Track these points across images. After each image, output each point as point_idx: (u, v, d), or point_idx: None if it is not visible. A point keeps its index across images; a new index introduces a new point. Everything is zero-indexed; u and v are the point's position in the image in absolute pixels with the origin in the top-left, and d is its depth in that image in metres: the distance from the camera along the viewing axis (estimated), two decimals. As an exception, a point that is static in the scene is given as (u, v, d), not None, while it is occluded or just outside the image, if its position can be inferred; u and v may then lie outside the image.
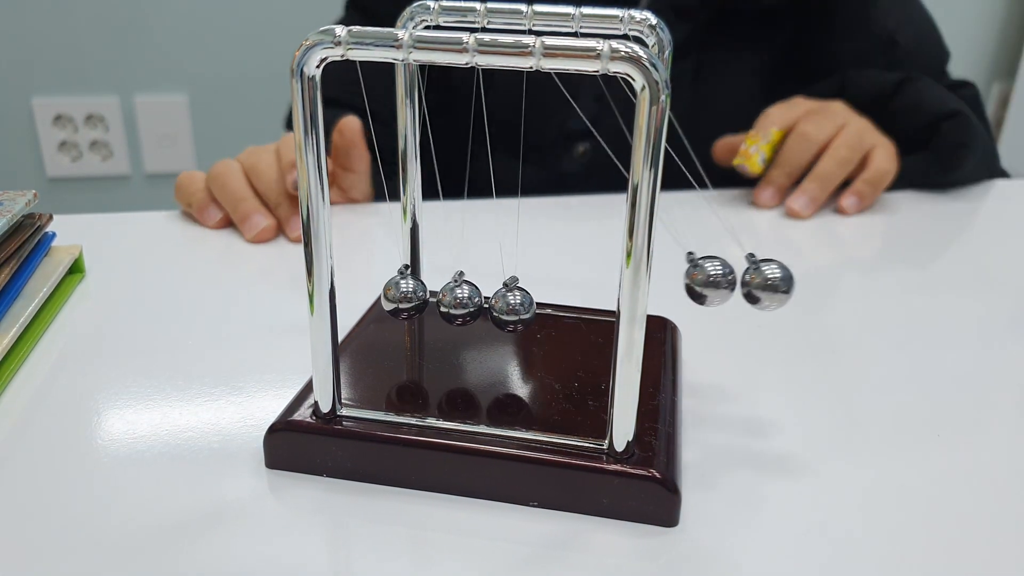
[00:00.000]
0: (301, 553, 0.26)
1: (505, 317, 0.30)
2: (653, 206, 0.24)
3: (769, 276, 0.28)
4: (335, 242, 0.28)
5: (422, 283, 0.31)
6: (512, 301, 0.30)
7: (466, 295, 0.30)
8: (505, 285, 0.30)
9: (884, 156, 0.59)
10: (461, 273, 0.31)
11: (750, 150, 0.59)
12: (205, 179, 0.55)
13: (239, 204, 0.53)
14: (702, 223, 0.56)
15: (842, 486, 0.30)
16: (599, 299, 0.38)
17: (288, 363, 0.37)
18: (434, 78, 0.50)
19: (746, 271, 0.28)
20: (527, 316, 0.30)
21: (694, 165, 0.30)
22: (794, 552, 0.27)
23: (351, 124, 0.55)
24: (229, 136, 1.43)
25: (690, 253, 0.29)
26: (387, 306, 0.30)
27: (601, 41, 0.23)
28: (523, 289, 0.30)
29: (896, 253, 0.53)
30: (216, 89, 1.51)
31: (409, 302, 0.30)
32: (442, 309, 0.30)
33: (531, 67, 0.24)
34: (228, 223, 0.54)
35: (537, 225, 0.55)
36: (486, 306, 0.31)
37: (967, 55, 1.77)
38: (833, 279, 0.49)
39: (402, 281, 0.30)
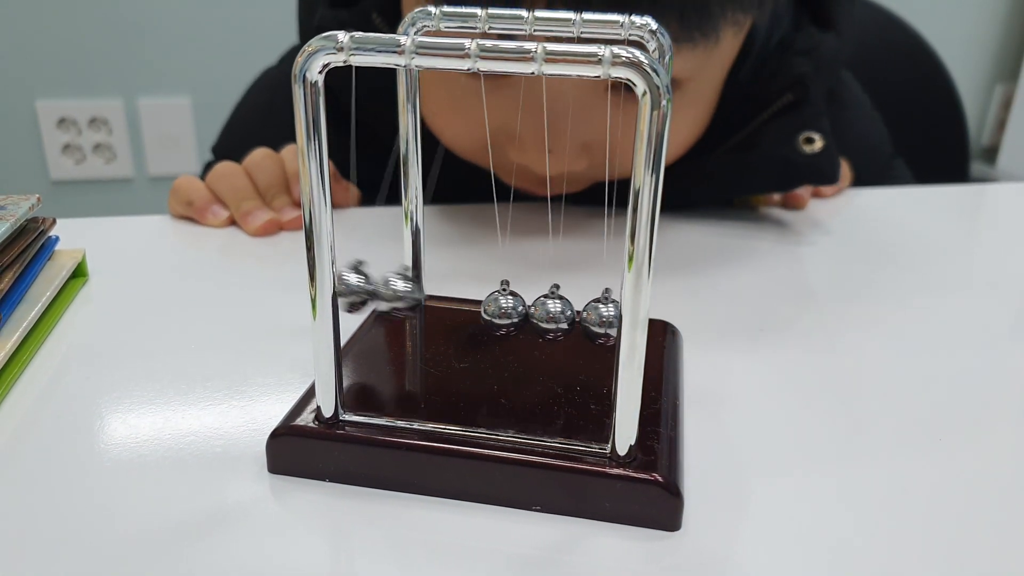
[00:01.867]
0: (303, 558, 0.26)
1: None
2: (655, 210, 0.25)
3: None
4: (336, 246, 0.28)
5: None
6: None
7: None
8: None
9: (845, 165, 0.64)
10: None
11: None
12: (207, 180, 0.56)
13: (242, 203, 0.54)
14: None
15: (845, 490, 0.30)
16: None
17: (291, 367, 0.37)
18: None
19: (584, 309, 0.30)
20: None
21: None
22: (797, 556, 0.27)
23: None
24: (232, 139, 1.43)
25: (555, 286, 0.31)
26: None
27: (602, 46, 0.23)
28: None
29: (896, 256, 0.53)
30: (219, 92, 1.52)
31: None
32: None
33: (533, 72, 0.24)
34: (231, 222, 0.55)
35: (530, 228, 0.55)
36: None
37: (969, 57, 1.77)
38: (833, 282, 0.49)
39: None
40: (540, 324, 0.31)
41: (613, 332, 0.30)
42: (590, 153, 0.51)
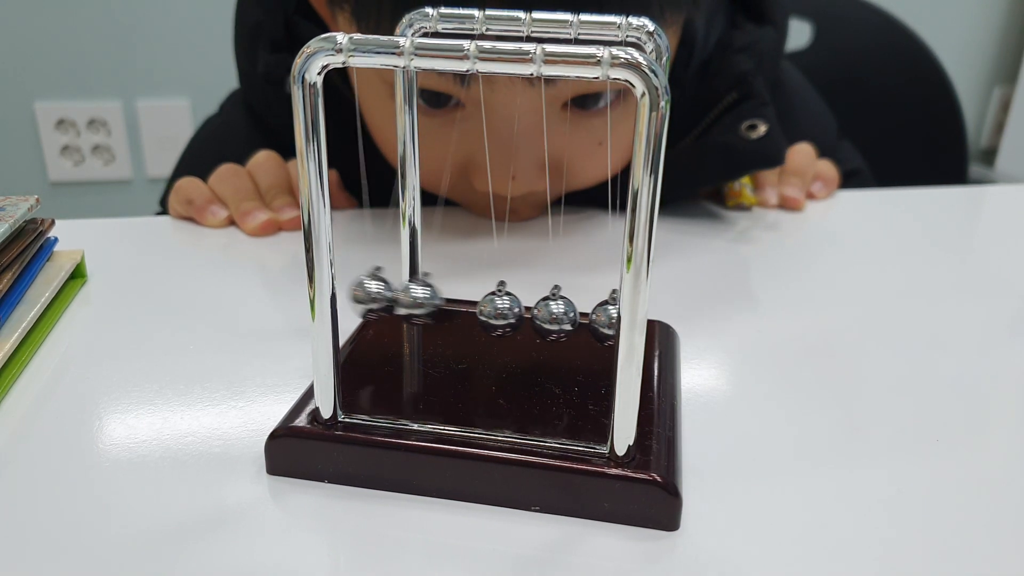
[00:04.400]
0: (302, 559, 0.26)
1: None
2: (653, 211, 0.25)
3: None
4: (335, 247, 0.28)
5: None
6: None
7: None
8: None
9: (829, 163, 0.66)
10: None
11: (734, 187, 0.61)
12: (209, 181, 0.56)
13: (242, 202, 0.54)
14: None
15: (842, 490, 0.30)
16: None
17: (290, 368, 0.37)
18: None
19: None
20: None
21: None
22: (795, 556, 0.27)
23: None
24: (231, 140, 1.43)
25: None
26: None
27: (601, 48, 0.23)
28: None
29: (895, 257, 0.53)
30: (218, 93, 1.51)
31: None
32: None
33: (532, 73, 0.24)
34: (230, 222, 0.55)
35: (529, 230, 0.55)
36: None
37: (968, 59, 1.77)
38: (831, 283, 0.49)
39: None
40: (543, 326, 0.31)
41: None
42: (550, 172, 0.52)
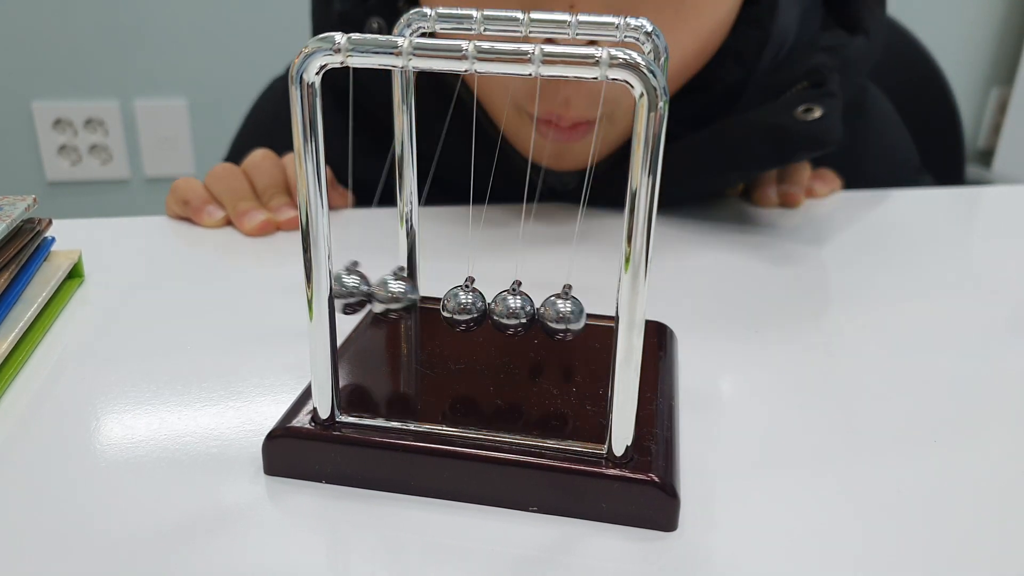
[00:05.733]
0: (300, 560, 0.26)
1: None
2: (652, 212, 0.25)
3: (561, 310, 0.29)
4: (333, 247, 0.28)
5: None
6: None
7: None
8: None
9: (830, 171, 0.65)
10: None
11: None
12: (205, 180, 0.56)
13: (239, 202, 0.54)
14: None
15: (840, 491, 0.30)
16: (596, 304, 0.38)
17: (287, 368, 0.37)
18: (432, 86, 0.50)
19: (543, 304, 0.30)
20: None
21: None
22: (792, 556, 0.27)
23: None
24: (228, 140, 1.44)
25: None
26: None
27: (599, 48, 0.23)
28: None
29: (892, 257, 0.53)
30: (215, 93, 1.51)
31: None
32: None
33: (530, 74, 0.24)
34: (227, 223, 0.55)
35: (528, 230, 0.55)
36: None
37: (965, 60, 1.77)
38: (830, 284, 0.49)
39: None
40: (500, 320, 0.30)
41: (573, 327, 0.29)
42: (598, 103, 0.50)
